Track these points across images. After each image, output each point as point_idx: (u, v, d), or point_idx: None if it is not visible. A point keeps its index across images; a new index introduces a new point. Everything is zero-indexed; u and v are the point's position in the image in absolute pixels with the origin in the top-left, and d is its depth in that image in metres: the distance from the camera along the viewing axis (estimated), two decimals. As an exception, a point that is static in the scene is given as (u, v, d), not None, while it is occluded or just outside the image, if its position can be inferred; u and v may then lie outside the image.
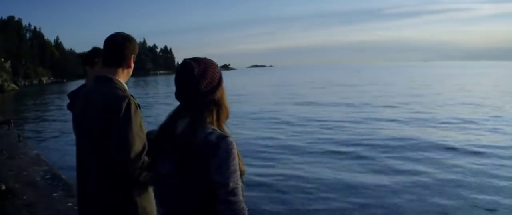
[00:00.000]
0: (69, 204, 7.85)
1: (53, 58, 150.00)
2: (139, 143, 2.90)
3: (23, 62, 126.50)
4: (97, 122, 2.96)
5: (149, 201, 3.13)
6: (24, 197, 8.29)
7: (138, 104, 3.06)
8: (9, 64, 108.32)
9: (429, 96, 38.07)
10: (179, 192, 2.38)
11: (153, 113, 30.21)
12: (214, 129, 2.37)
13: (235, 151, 2.32)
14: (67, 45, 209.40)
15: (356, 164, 13.57)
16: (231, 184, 2.28)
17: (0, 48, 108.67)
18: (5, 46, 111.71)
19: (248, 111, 28.86)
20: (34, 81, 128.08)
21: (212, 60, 2.53)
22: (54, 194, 8.52)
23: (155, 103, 39.30)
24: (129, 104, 2.94)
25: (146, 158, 2.91)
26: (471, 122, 21.93)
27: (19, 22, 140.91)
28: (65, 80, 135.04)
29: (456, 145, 15.85)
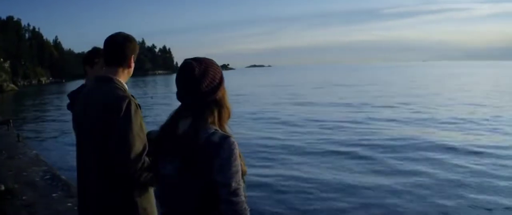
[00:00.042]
0: (69, 204, 7.84)
1: (52, 58, 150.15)
2: (139, 143, 2.89)
3: (22, 62, 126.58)
4: (97, 122, 2.95)
5: (150, 201, 3.13)
6: (24, 198, 8.27)
7: (139, 105, 3.05)
8: (8, 64, 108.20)
9: (429, 96, 38.08)
10: (181, 192, 2.38)
11: (152, 113, 30.19)
12: (216, 129, 2.36)
13: (237, 151, 2.31)
14: (66, 45, 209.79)
15: (355, 164, 13.55)
16: (233, 184, 2.28)
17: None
18: (4, 46, 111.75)
19: (247, 111, 28.86)
20: (33, 82, 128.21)
21: (213, 60, 2.52)
22: (54, 195, 8.50)
23: (154, 103, 39.22)
24: (129, 104, 2.93)
25: (147, 159, 2.91)
26: (471, 122, 21.91)
27: (18, 22, 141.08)
28: (64, 81, 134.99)
29: (456, 145, 15.83)
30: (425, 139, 17.14)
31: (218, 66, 2.51)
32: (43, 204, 7.90)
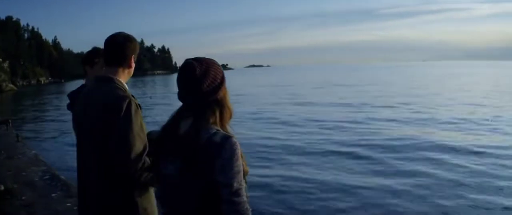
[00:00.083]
0: (68, 204, 7.85)
1: (51, 58, 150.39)
2: (139, 143, 2.89)
3: (21, 63, 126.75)
4: (98, 122, 2.94)
5: (150, 201, 3.12)
6: (23, 198, 8.28)
7: (139, 105, 3.04)
8: (7, 64, 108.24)
9: (429, 96, 38.07)
10: (182, 192, 2.37)
11: (152, 113, 30.16)
12: (217, 130, 2.35)
13: (239, 151, 2.31)
14: (65, 45, 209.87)
15: (355, 164, 13.55)
16: (235, 185, 2.27)
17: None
18: (3, 46, 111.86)
19: (247, 111, 28.84)
20: (32, 82, 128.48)
21: (215, 60, 2.51)
22: (53, 195, 8.51)
23: (153, 103, 39.23)
24: (129, 104, 2.91)
25: (147, 159, 2.91)
26: (471, 122, 21.91)
27: (17, 22, 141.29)
28: (63, 81, 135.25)
29: (456, 145, 15.82)
30: (425, 139, 17.14)
31: (219, 66, 2.50)
32: (43, 204, 7.91)
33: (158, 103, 40.31)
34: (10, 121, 20.11)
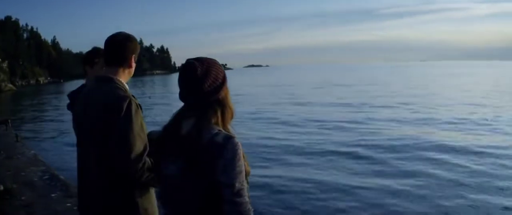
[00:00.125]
0: (68, 204, 7.84)
1: (50, 58, 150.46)
2: (140, 143, 2.87)
3: (20, 62, 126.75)
4: (98, 122, 2.93)
5: (151, 202, 3.11)
6: (22, 198, 8.27)
7: (140, 105, 3.03)
8: (7, 64, 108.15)
9: (428, 96, 38.09)
10: (184, 193, 2.36)
11: (151, 113, 30.14)
12: (219, 130, 2.35)
13: (241, 151, 2.30)
14: (64, 45, 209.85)
15: (355, 164, 13.55)
16: (237, 185, 2.26)
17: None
18: (2, 46, 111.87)
19: (246, 110, 28.82)
20: (31, 81, 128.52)
21: (216, 60, 2.50)
22: (52, 195, 8.50)
23: (152, 103, 39.26)
24: (130, 104, 2.90)
25: (148, 159, 2.90)
26: (471, 122, 21.90)
27: (16, 22, 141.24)
28: (62, 81, 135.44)
29: (456, 145, 15.81)
30: (425, 139, 17.13)
31: (221, 66, 2.50)
32: (42, 204, 7.90)
33: (157, 103, 40.35)
34: (9, 121, 20.12)
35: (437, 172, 12.36)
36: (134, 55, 3.20)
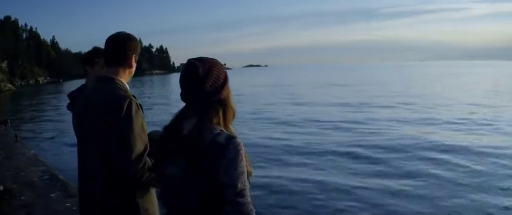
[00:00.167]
0: (67, 204, 7.84)
1: (49, 58, 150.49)
2: (140, 144, 2.87)
3: (20, 62, 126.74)
4: (98, 122, 2.92)
5: (151, 202, 3.11)
6: (22, 198, 8.27)
7: (140, 105, 3.02)
8: (6, 64, 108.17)
9: (428, 96, 38.04)
10: (185, 193, 2.35)
11: (150, 113, 30.10)
12: (221, 130, 2.34)
13: (243, 152, 2.30)
14: (63, 45, 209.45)
15: (355, 165, 13.54)
16: (239, 185, 2.26)
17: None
18: (2, 46, 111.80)
19: (245, 110, 28.79)
20: (31, 81, 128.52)
21: (217, 60, 2.50)
22: (52, 195, 8.50)
23: (152, 103, 39.23)
24: (130, 104, 2.90)
25: (148, 159, 2.89)
26: (471, 122, 21.90)
27: (15, 22, 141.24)
28: (61, 80, 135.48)
29: (456, 145, 15.81)
30: (425, 139, 17.11)
31: (222, 66, 2.49)
32: (42, 204, 7.90)
33: (156, 103, 40.34)
34: (8, 121, 20.12)
35: (437, 172, 12.36)
36: (134, 55, 3.19)
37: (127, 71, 3.19)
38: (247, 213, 2.28)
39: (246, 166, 2.32)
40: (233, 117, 2.49)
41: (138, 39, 3.29)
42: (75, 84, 4.42)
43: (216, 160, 2.24)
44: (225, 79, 2.45)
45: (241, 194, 2.26)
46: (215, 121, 2.37)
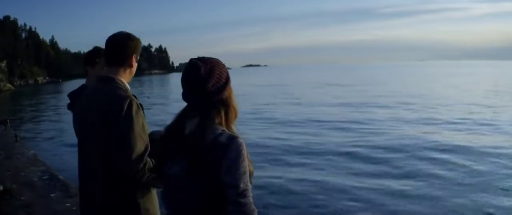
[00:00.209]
0: (67, 204, 7.84)
1: (48, 58, 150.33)
2: (141, 144, 2.86)
3: (19, 62, 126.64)
4: (98, 122, 2.91)
5: (152, 202, 3.11)
6: (22, 198, 8.26)
7: (141, 105, 3.02)
8: (5, 64, 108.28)
9: (428, 96, 38.04)
10: (187, 193, 2.35)
11: (149, 113, 30.07)
12: (223, 130, 2.33)
13: (245, 152, 2.29)
14: (62, 45, 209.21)
15: (355, 165, 13.53)
16: (242, 186, 2.25)
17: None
18: (1, 46, 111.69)
19: (245, 110, 28.75)
20: (30, 81, 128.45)
21: (219, 60, 2.49)
22: (52, 195, 8.49)
23: (151, 103, 39.20)
24: (130, 104, 2.88)
25: (149, 159, 2.89)
26: (471, 122, 21.91)
27: (14, 22, 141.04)
28: (60, 80, 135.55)
29: (456, 145, 15.82)
30: (425, 139, 17.13)
31: (224, 66, 2.48)
32: (42, 204, 7.89)
33: (155, 103, 40.34)
34: (8, 120, 20.11)
35: (437, 172, 12.38)
36: (135, 54, 3.17)
37: (128, 71, 3.18)
38: (249, 213, 2.27)
39: (248, 166, 2.31)
40: (235, 116, 2.48)
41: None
42: (75, 84, 4.42)
43: (218, 160, 2.24)
44: (227, 79, 2.45)
45: (243, 194, 2.25)
46: (217, 121, 2.36)
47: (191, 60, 2.42)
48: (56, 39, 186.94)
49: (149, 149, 2.89)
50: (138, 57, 3.24)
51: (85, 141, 3.10)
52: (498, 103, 30.99)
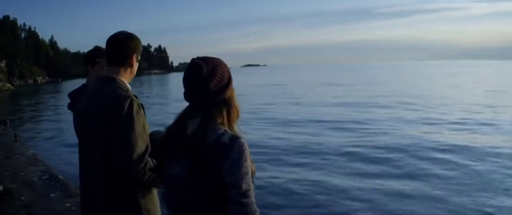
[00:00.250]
0: (67, 204, 7.83)
1: (47, 58, 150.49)
2: (141, 143, 2.85)
3: (18, 62, 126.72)
4: (99, 122, 2.91)
5: (153, 202, 3.11)
6: (22, 198, 8.26)
7: (142, 105, 3.02)
8: (4, 64, 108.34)
9: (428, 96, 38.01)
10: (188, 193, 2.34)
11: (149, 112, 29.71)
12: (225, 130, 2.33)
13: (247, 152, 2.28)
14: (61, 44, 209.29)
15: (355, 165, 13.52)
16: (244, 186, 2.25)
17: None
18: (0, 46, 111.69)
19: (245, 110, 28.66)
20: (29, 81, 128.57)
21: (221, 60, 2.48)
22: (52, 195, 8.49)
23: (150, 103, 39.18)
24: (131, 104, 2.88)
25: (149, 159, 2.89)
26: (471, 122, 21.90)
27: (14, 21, 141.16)
28: (59, 80, 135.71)
29: (457, 144, 15.81)
30: (425, 139, 17.11)
31: (226, 66, 2.48)
32: (41, 204, 7.89)
33: (154, 103, 40.31)
34: (8, 120, 20.10)
35: (437, 172, 12.39)
36: (135, 54, 3.16)
37: (129, 70, 3.18)
38: (251, 214, 2.26)
39: (250, 166, 2.31)
40: (237, 116, 2.49)
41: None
42: (74, 84, 4.41)
43: (220, 160, 2.23)
44: (229, 79, 2.44)
45: (245, 194, 2.25)
46: (219, 121, 2.35)
47: (193, 60, 2.41)
48: (56, 39, 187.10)
49: (150, 149, 2.88)
50: (139, 57, 3.23)
51: (86, 140, 3.09)
52: (498, 103, 30.96)
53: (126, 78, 3.15)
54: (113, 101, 2.89)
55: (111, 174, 2.90)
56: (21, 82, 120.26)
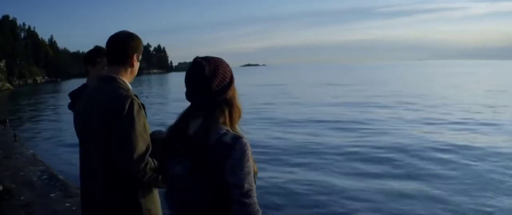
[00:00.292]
0: (67, 204, 7.83)
1: (47, 58, 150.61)
2: (142, 143, 2.84)
3: (18, 62, 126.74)
4: (99, 121, 2.90)
5: (154, 202, 3.10)
6: (21, 198, 8.26)
7: (142, 105, 3.01)
8: (4, 64, 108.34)
9: (427, 96, 38.00)
10: (190, 193, 2.34)
11: (148, 112, 29.80)
12: (227, 130, 2.33)
13: (249, 152, 2.29)
14: (61, 44, 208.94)
15: (355, 165, 13.50)
16: (246, 186, 2.25)
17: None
18: (0, 46, 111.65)
19: (245, 110, 28.54)
20: (29, 81, 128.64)
21: (223, 59, 2.49)
22: (52, 195, 8.49)
23: (150, 102, 39.16)
24: (132, 104, 2.87)
25: (150, 159, 2.88)
26: (471, 122, 21.89)
27: (13, 21, 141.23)
28: (59, 80, 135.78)
29: (457, 144, 15.80)
30: (425, 139, 17.10)
31: (228, 65, 2.48)
32: (41, 204, 7.88)
33: (154, 103, 40.28)
34: (7, 120, 20.09)
35: (438, 172, 12.38)
36: (136, 54, 3.16)
37: (129, 70, 3.17)
38: (253, 213, 2.26)
39: (252, 166, 2.30)
40: (239, 116, 2.51)
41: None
42: (74, 83, 4.40)
43: (222, 160, 2.23)
44: (231, 78, 2.45)
45: (247, 194, 2.25)
46: (221, 120, 2.35)
47: (195, 59, 2.41)
48: (55, 38, 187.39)
49: (150, 148, 2.88)
50: (140, 57, 3.22)
51: (86, 140, 3.09)
52: (498, 103, 30.94)
53: (126, 78, 3.14)
54: (113, 101, 2.88)
55: (112, 174, 2.89)
56: (21, 82, 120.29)
